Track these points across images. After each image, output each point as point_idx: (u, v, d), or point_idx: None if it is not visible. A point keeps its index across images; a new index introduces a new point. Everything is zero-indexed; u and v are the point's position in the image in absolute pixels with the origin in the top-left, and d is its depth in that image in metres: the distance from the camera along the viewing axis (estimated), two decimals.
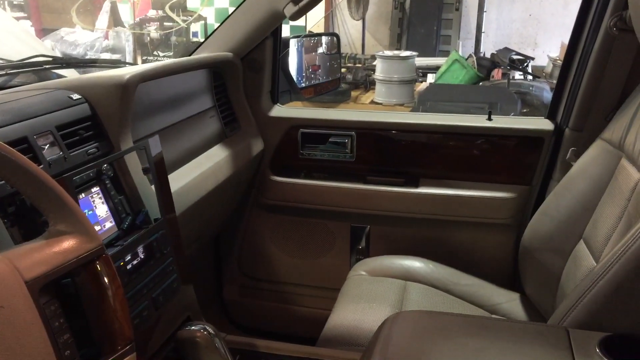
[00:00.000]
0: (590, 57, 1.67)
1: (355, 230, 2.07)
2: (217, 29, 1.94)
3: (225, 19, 1.90)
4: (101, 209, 1.19)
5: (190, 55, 1.88)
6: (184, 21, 6.14)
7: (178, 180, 1.50)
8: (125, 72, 1.35)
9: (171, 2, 5.96)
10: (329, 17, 7.44)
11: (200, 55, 1.84)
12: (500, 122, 1.91)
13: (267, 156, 2.06)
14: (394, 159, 2.00)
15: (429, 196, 1.94)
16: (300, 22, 7.08)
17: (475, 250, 1.97)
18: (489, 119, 1.91)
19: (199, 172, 1.61)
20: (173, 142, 1.60)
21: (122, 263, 1.11)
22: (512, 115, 3.10)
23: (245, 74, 1.97)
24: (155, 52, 5.95)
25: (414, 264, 1.78)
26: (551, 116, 1.88)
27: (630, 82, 1.61)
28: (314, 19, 7.05)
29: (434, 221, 1.98)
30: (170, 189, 1.30)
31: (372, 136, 1.99)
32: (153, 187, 1.29)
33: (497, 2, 7.18)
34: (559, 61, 4.89)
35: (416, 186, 1.96)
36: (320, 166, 2.05)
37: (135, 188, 1.28)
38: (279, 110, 2.08)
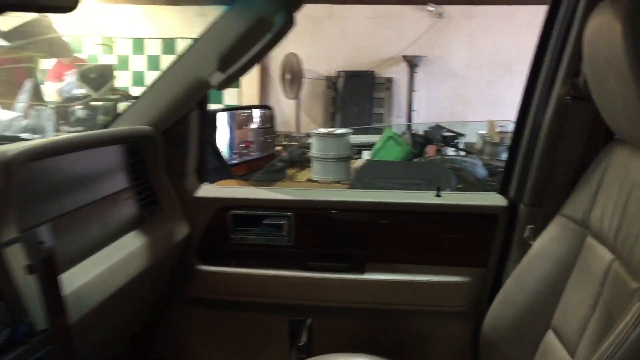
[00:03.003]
0: (542, 128, 1.59)
1: (295, 324, 1.86)
2: (135, 100, 1.77)
3: (145, 91, 1.74)
4: None
5: (104, 129, 1.69)
6: (113, 99, 6.05)
7: (77, 278, 1.25)
8: (12, 148, 1.13)
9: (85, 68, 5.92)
10: (263, 95, 7.56)
11: (112, 129, 1.65)
12: (450, 198, 1.82)
13: (194, 242, 1.87)
14: (337, 241, 1.87)
15: (376, 282, 1.80)
16: (234, 99, 7.12)
17: (430, 342, 1.83)
18: (438, 195, 1.81)
19: (106, 265, 1.37)
20: (75, 230, 1.36)
21: None
22: (448, 190, 3.10)
23: (167, 150, 1.79)
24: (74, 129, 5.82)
25: None
26: (503, 191, 1.79)
27: (589, 152, 1.52)
28: (249, 96, 7.15)
29: (383, 311, 1.83)
30: (60, 292, 1.05)
31: (312, 217, 1.85)
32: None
33: (425, 82, 7.46)
34: (488, 138, 5.09)
35: (362, 272, 1.82)
36: (255, 252, 1.88)
37: (16, 292, 1.03)
38: (207, 190, 1.91)
